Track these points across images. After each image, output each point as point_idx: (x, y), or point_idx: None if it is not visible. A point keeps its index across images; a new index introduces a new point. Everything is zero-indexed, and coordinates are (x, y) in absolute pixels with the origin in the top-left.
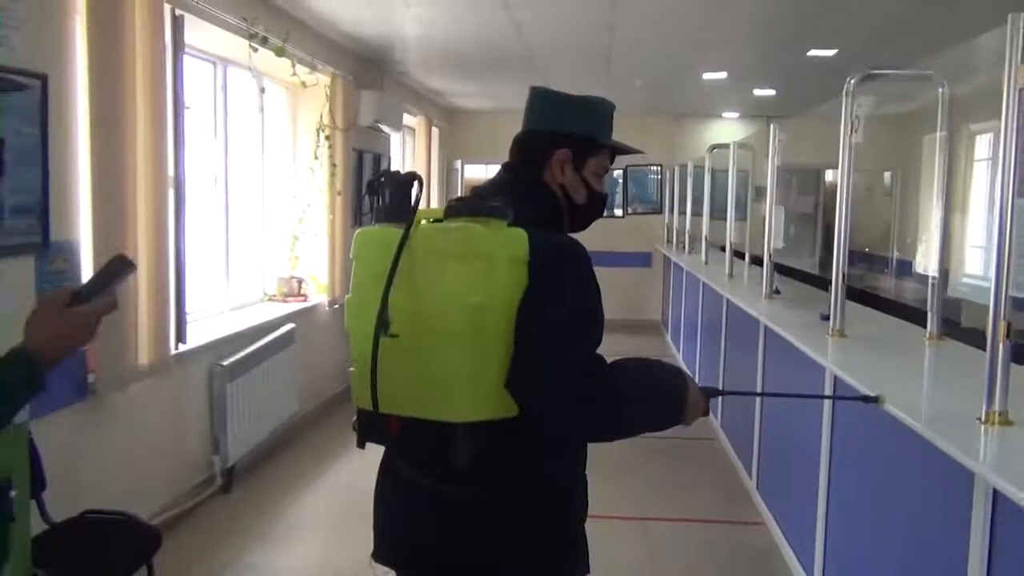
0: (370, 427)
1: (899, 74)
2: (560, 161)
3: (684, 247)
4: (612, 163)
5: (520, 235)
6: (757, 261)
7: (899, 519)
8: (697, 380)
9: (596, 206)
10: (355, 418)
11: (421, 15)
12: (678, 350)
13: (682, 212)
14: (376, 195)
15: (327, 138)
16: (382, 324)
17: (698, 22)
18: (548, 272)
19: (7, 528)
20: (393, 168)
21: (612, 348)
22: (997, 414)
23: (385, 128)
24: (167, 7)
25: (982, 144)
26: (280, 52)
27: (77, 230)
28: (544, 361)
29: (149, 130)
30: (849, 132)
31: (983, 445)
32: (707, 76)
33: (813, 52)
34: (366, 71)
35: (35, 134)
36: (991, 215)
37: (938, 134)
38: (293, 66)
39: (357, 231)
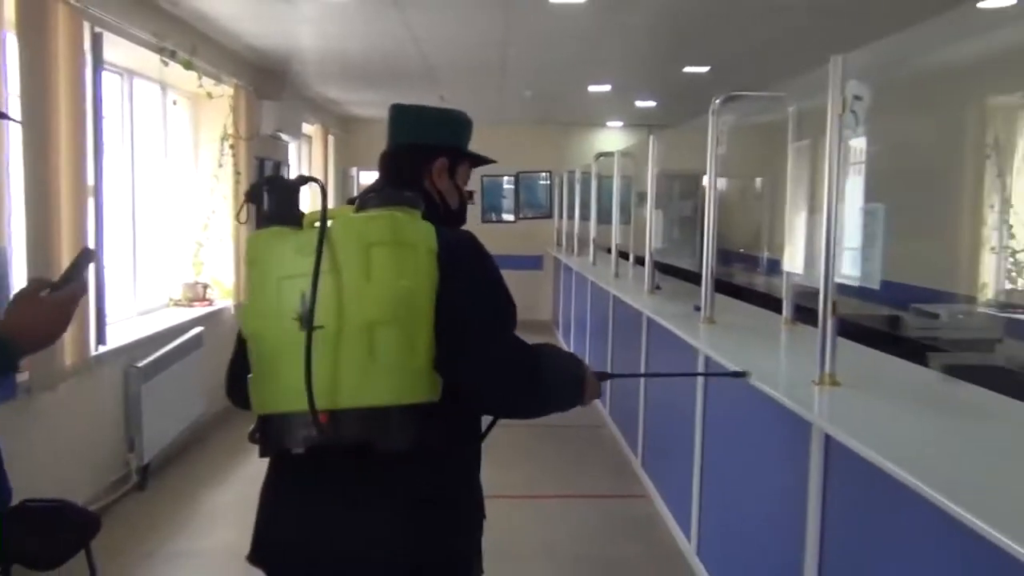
0: (283, 430)
1: (756, 96)
2: (440, 169)
3: (573, 250)
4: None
5: (430, 228)
6: (641, 261)
7: (758, 476)
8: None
9: (464, 210)
10: (255, 427)
11: (320, 28)
12: (569, 345)
13: (571, 217)
14: (258, 202)
15: (231, 147)
16: (308, 319)
17: (585, 39)
18: (460, 263)
19: None
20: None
21: None
22: (828, 375)
23: (285, 136)
24: (87, 25)
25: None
26: (187, 65)
27: (6, 237)
28: (482, 343)
29: (71, 141)
30: (714, 146)
31: (816, 402)
32: (592, 88)
33: (688, 69)
34: (267, 82)
35: None
36: (821, 216)
37: (789, 146)
38: (199, 78)
39: (251, 235)
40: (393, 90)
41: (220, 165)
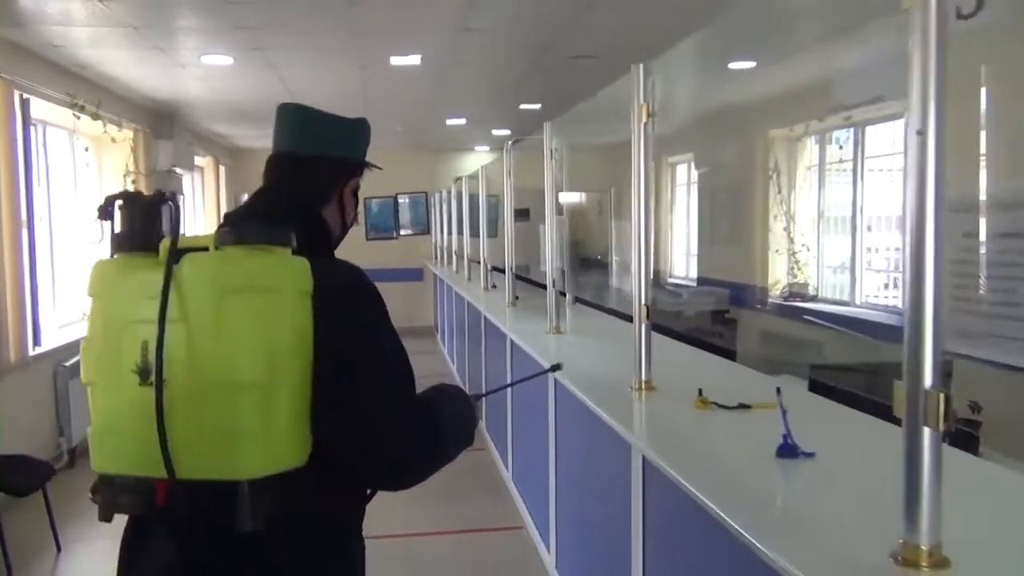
0: (122, 494)
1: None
2: (354, 187)
3: (448, 263)
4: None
5: (305, 265)
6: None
7: (596, 479)
8: (461, 376)
9: (349, 225)
10: (93, 486)
11: (206, 83)
12: (446, 348)
13: (446, 232)
14: (110, 220)
15: (133, 182)
16: (151, 373)
17: (429, 87)
18: (342, 307)
19: None
20: (180, 204)
21: None
22: (644, 383)
23: (179, 170)
24: (16, 92)
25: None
26: (95, 116)
27: None
28: (376, 415)
29: (7, 184)
30: (550, 163)
31: (635, 412)
32: (450, 122)
33: (523, 106)
34: (162, 124)
35: None
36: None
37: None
38: (104, 126)
39: (96, 263)
40: (270, 125)
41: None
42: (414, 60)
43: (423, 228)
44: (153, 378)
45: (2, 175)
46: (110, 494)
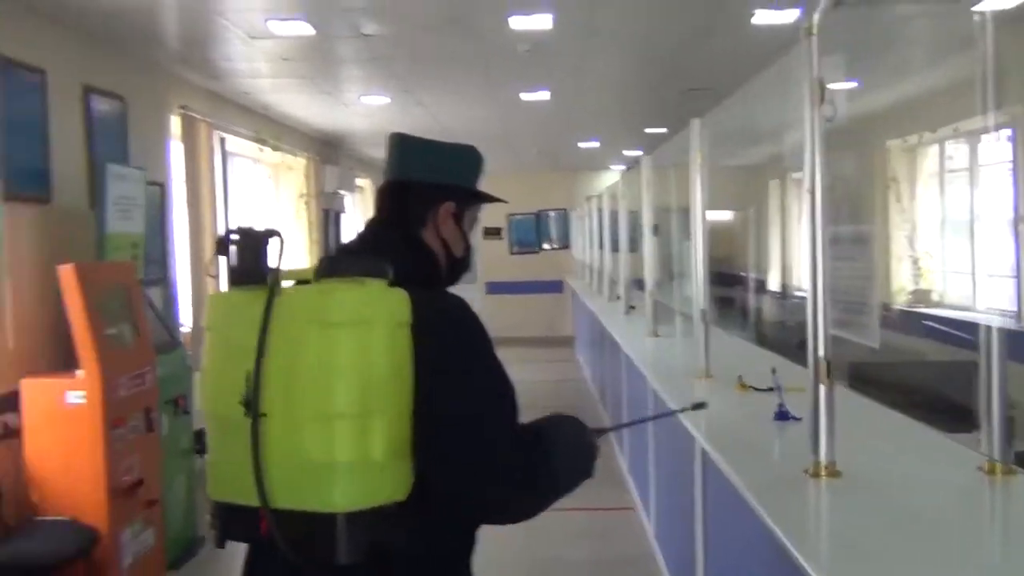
0: (234, 521)
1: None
2: (445, 214)
3: (585, 277)
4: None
5: (402, 296)
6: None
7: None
8: (592, 382)
9: (469, 259)
10: (211, 512)
11: (366, 119)
12: (582, 359)
13: (584, 247)
14: (226, 254)
15: (305, 203)
16: (252, 404)
17: (558, 118)
18: (438, 338)
19: None
20: (340, 223)
21: (534, 367)
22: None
23: (342, 191)
24: (216, 133)
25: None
26: (275, 148)
27: (172, 272)
28: (478, 451)
29: (210, 205)
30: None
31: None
32: (582, 145)
33: (648, 130)
34: (328, 151)
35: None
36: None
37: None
38: (282, 156)
39: (210, 295)
40: None
41: (298, 217)
42: (543, 96)
43: (564, 243)
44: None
45: (206, 201)
46: (222, 521)
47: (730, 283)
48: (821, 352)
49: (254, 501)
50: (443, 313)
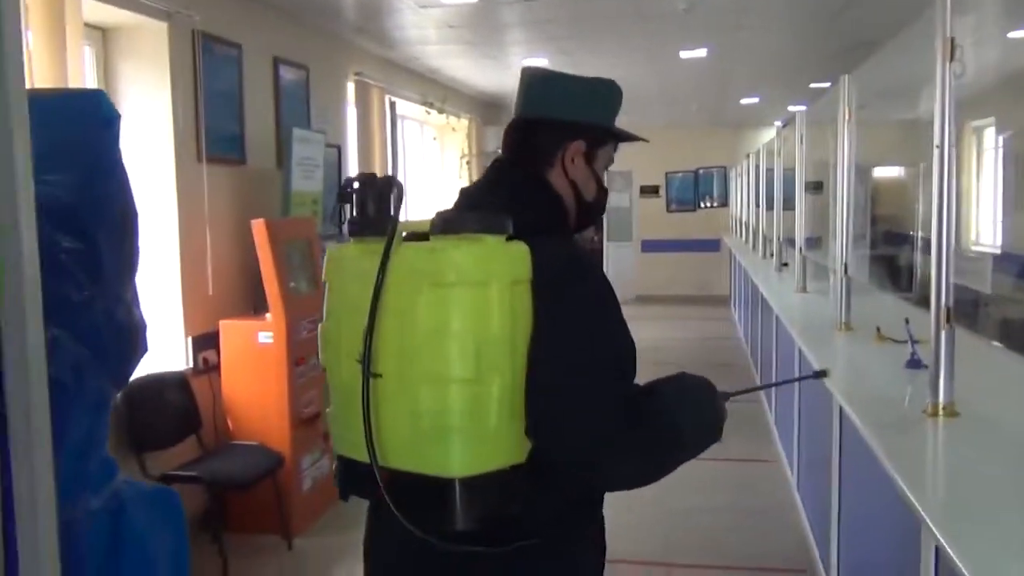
0: (354, 478)
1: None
2: (573, 154)
3: (741, 235)
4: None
5: (522, 251)
6: (808, 245)
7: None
8: (745, 340)
9: (603, 203)
10: (334, 465)
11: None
12: (738, 318)
13: (743, 205)
14: (349, 204)
15: (467, 163)
16: (364, 363)
17: (716, 74)
18: (562, 296)
19: None
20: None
21: (687, 324)
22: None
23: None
24: (387, 97)
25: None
26: (441, 111)
27: None
28: (584, 407)
29: (382, 164)
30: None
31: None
32: (744, 101)
33: (813, 84)
34: (490, 113)
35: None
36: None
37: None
38: (447, 118)
39: (328, 249)
40: None
41: (460, 176)
42: (700, 53)
43: (722, 201)
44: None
45: (378, 162)
46: (343, 476)
47: (898, 242)
48: (944, 299)
49: (365, 457)
50: (566, 267)
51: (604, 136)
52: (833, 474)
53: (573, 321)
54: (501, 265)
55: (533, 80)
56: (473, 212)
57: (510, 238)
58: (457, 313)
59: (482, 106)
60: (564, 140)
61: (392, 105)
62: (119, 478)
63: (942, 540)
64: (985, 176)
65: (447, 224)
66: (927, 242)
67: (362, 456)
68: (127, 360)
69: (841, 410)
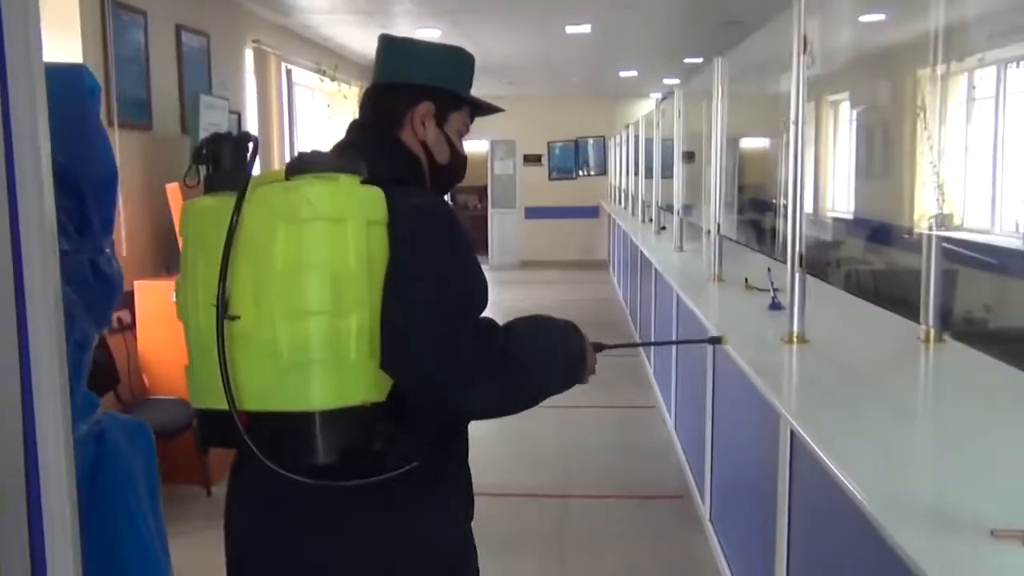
0: (213, 428)
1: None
2: (422, 115)
3: (620, 202)
4: (471, 122)
5: (376, 193)
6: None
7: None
8: (624, 301)
9: (458, 168)
10: (194, 421)
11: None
12: (617, 280)
13: (620, 174)
14: (206, 161)
15: None
16: (222, 304)
17: (599, 48)
18: (414, 235)
19: None
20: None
21: (569, 287)
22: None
23: None
24: (283, 65)
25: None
26: (334, 78)
27: None
28: (433, 337)
29: (279, 131)
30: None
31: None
32: (622, 74)
33: (687, 60)
34: None
35: None
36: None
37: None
38: (339, 86)
39: (185, 204)
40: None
41: None
42: (585, 29)
43: (601, 169)
44: (225, 312)
45: (275, 130)
46: (202, 428)
47: (762, 209)
48: (798, 248)
49: (224, 405)
50: (418, 210)
51: (454, 101)
52: (707, 408)
53: (424, 260)
54: (356, 203)
55: (387, 46)
56: (326, 153)
57: (364, 183)
58: (313, 247)
59: (371, 74)
60: (413, 102)
61: (288, 73)
62: (99, 411)
63: (795, 424)
64: (840, 147)
65: (301, 164)
66: (787, 208)
67: (220, 404)
68: (108, 305)
69: (714, 347)
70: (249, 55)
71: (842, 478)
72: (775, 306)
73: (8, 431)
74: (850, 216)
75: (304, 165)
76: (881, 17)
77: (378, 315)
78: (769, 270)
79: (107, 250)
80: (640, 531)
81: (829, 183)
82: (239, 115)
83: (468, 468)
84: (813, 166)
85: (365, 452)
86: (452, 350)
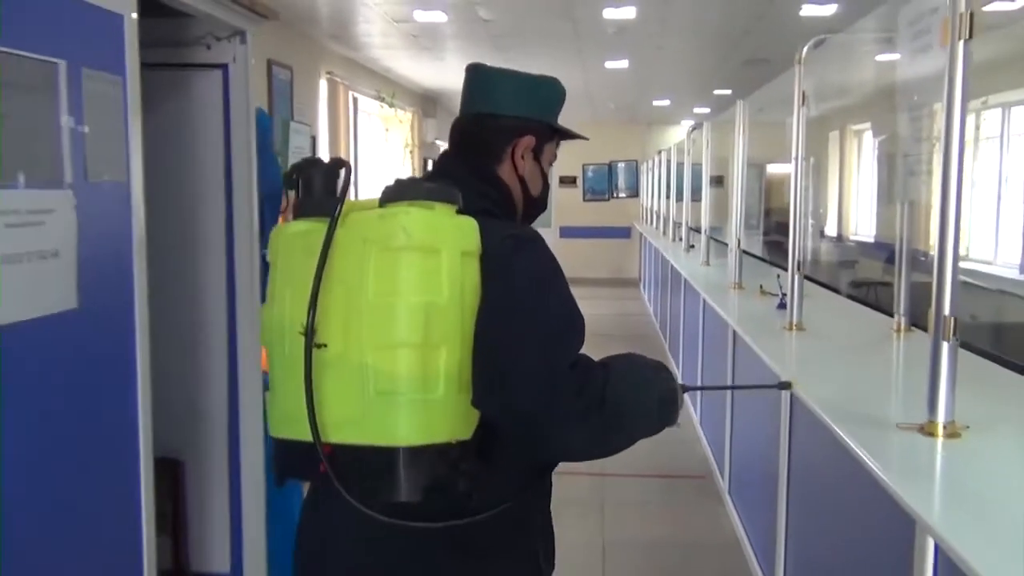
0: (291, 459)
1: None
2: (523, 149)
3: (652, 223)
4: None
5: (470, 224)
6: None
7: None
8: (654, 316)
9: (545, 199)
10: (272, 450)
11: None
12: (647, 297)
13: (652, 196)
14: (296, 186)
15: (410, 152)
16: (308, 332)
17: (635, 81)
18: (510, 267)
19: None
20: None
21: (602, 303)
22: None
23: (439, 142)
24: (351, 93)
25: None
26: (392, 105)
27: None
28: (532, 374)
29: (345, 152)
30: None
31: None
32: (656, 103)
33: (717, 91)
34: (428, 106)
35: None
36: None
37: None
38: (395, 111)
39: (275, 228)
40: None
41: (403, 164)
42: (623, 64)
43: (633, 191)
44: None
45: (342, 151)
46: (281, 459)
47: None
48: (797, 256)
49: (310, 437)
50: (514, 243)
51: (550, 133)
52: (727, 399)
53: (521, 293)
54: (451, 233)
55: (479, 76)
56: (422, 182)
57: (460, 213)
58: (406, 277)
59: (423, 100)
60: (513, 136)
61: (355, 100)
62: None
63: (798, 391)
64: (864, 174)
65: (398, 191)
66: (818, 231)
67: (301, 435)
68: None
69: (735, 334)
70: (323, 85)
71: (816, 408)
72: (782, 305)
73: (217, 394)
74: (871, 240)
75: (400, 193)
76: (896, 56)
77: (469, 349)
78: (778, 276)
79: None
80: (669, 502)
81: (852, 207)
82: (314, 139)
83: (551, 515)
84: (837, 192)
85: (448, 492)
86: (552, 388)
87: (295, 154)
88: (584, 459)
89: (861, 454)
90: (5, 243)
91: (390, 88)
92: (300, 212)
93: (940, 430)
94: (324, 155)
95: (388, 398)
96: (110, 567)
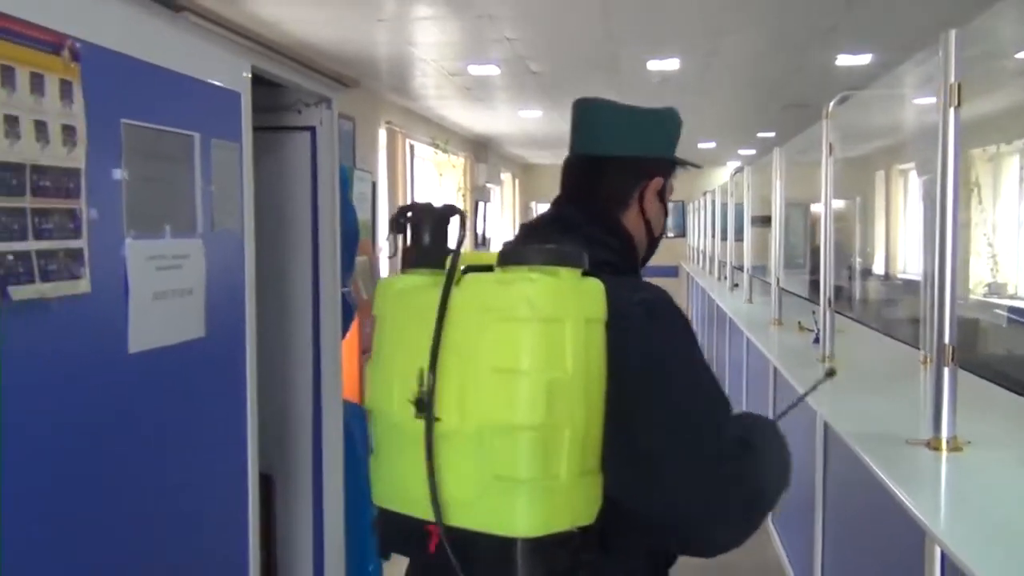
0: (397, 532)
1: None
2: (652, 191)
3: (698, 262)
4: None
5: (596, 288)
6: (754, 272)
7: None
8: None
9: (664, 232)
10: (375, 518)
11: (511, 123)
12: (697, 335)
13: (699, 236)
14: (403, 233)
15: (463, 195)
16: (426, 406)
17: (688, 120)
18: (647, 338)
19: None
20: (485, 212)
21: None
22: (781, 319)
23: (489, 184)
24: (407, 141)
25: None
26: (445, 150)
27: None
28: (689, 463)
29: (403, 196)
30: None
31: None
32: (701, 145)
33: (760, 134)
34: (479, 151)
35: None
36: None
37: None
38: (449, 156)
39: (382, 281)
40: (559, 149)
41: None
42: None
43: (680, 231)
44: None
45: (400, 196)
46: (385, 531)
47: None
48: (828, 293)
49: (422, 514)
50: (648, 309)
51: (673, 169)
52: (768, 407)
53: (666, 367)
54: (576, 301)
55: (593, 114)
56: (546, 242)
57: (584, 275)
58: (528, 351)
59: (474, 146)
60: (642, 178)
61: (412, 148)
62: None
63: (823, 413)
64: (911, 213)
65: (518, 255)
66: (865, 269)
67: (410, 510)
68: (346, 326)
69: (775, 369)
70: (383, 134)
71: (833, 425)
72: (817, 340)
73: (303, 414)
74: (919, 278)
75: (521, 257)
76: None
77: (594, 427)
78: (813, 312)
79: (348, 287)
80: None
81: (900, 245)
82: (374, 184)
83: None
84: (884, 230)
85: None
86: (710, 479)
87: (358, 199)
88: (725, 551)
89: (869, 463)
90: (156, 282)
91: (444, 135)
92: (409, 262)
93: (944, 444)
94: (383, 200)
95: (506, 484)
96: None
